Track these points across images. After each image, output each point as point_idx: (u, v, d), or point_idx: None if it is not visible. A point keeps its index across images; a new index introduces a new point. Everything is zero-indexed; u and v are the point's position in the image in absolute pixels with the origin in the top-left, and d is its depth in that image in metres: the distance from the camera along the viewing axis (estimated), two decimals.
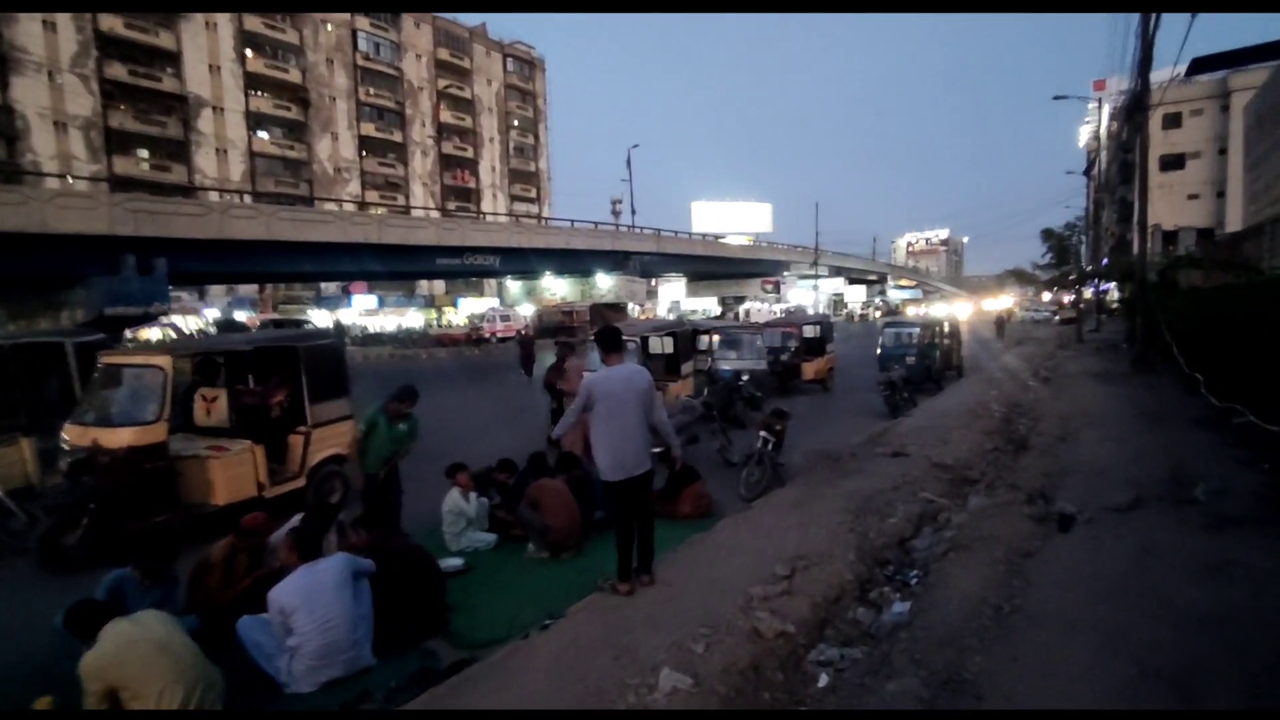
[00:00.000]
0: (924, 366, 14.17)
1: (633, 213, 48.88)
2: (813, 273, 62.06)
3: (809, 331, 15.86)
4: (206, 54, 43.62)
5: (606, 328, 4.90)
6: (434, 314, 51.20)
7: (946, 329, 16.77)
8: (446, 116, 59.50)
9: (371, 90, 53.35)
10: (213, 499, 6.13)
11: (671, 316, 37.20)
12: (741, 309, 52.18)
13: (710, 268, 51.74)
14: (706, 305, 56.73)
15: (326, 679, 3.84)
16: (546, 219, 51.23)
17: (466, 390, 18.33)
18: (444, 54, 58.96)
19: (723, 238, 59.44)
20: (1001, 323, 31.21)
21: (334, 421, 7.38)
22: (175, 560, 4.39)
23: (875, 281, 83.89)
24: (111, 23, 38.95)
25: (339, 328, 33.47)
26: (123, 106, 40.02)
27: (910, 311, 30.37)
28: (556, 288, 44.12)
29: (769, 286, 58.54)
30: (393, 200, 53.50)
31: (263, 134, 47.12)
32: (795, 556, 4.86)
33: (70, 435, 6.01)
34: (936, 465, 7.36)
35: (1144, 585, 4.24)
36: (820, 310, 51.73)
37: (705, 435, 9.32)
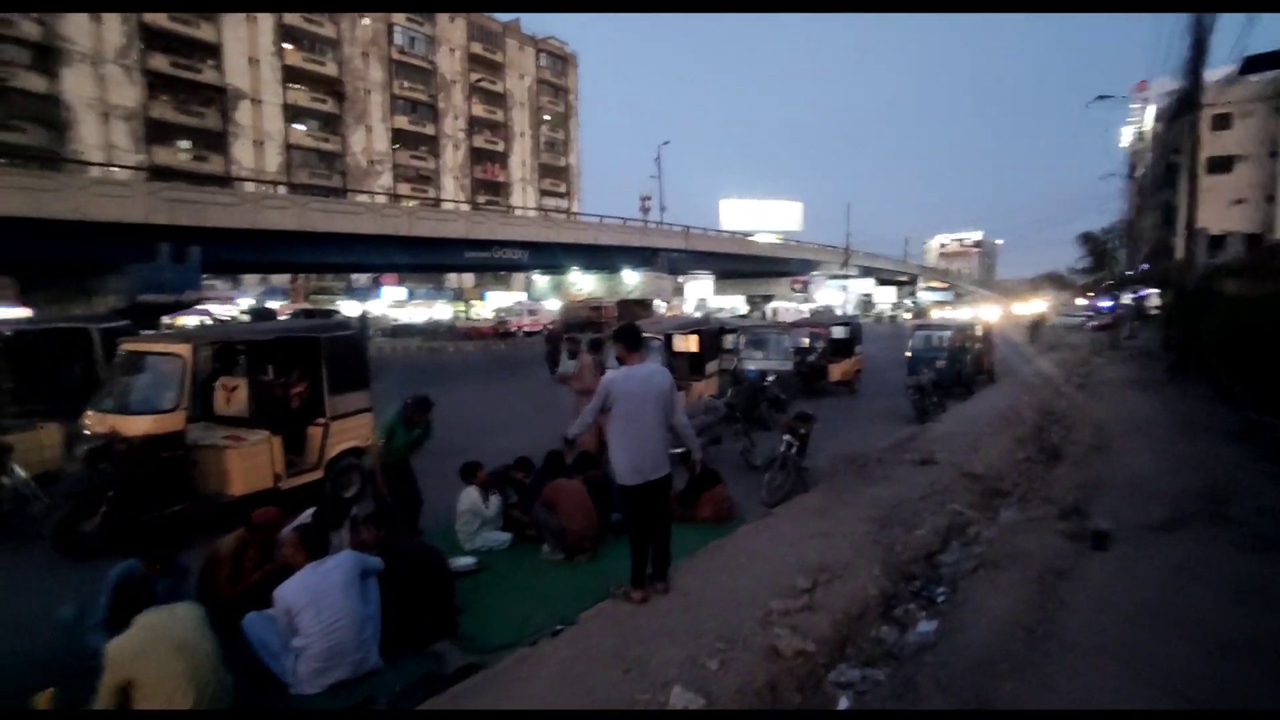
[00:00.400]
0: (954, 371, 13.79)
1: (661, 209, 48.68)
2: (842, 273, 61.27)
3: (837, 332, 15.55)
4: (246, 47, 44.28)
5: (626, 325, 4.76)
6: (462, 307, 51.53)
7: (977, 332, 16.34)
8: (478, 110, 59.79)
9: (405, 84, 53.78)
10: (229, 489, 6.11)
11: (698, 314, 36.98)
12: (769, 308, 51.68)
13: (738, 266, 51.31)
14: (734, 304, 56.33)
15: (332, 681, 3.76)
16: (575, 214, 51.25)
17: (489, 384, 18.34)
18: (477, 48, 59.24)
19: (751, 236, 58.94)
20: (1035, 327, 30.44)
21: (353, 414, 7.34)
22: (181, 551, 4.34)
23: (906, 283, 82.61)
24: (155, 16, 39.72)
25: (364, 319, 33.85)
26: (164, 97, 40.80)
27: (940, 314, 29.71)
28: (584, 283, 44.11)
29: (797, 286, 57.91)
30: (424, 193, 53.92)
31: (299, 126, 47.75)
32: (817, 568, 4.67)
33: (90, 422, 6.02)
34: (966, 474, 7.09)
35: (1182, 609, 4.01)
36: (849, 311, 51.07)
37: (728, 437, 9.14)
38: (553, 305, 42.67)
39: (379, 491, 5.77)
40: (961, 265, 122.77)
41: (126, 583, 3.92)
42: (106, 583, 3.95)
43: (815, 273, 59.99)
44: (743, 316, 42.93)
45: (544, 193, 66.06)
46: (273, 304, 37.85)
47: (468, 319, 46.02)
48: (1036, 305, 51.36)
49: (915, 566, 4.84)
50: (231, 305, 35.66)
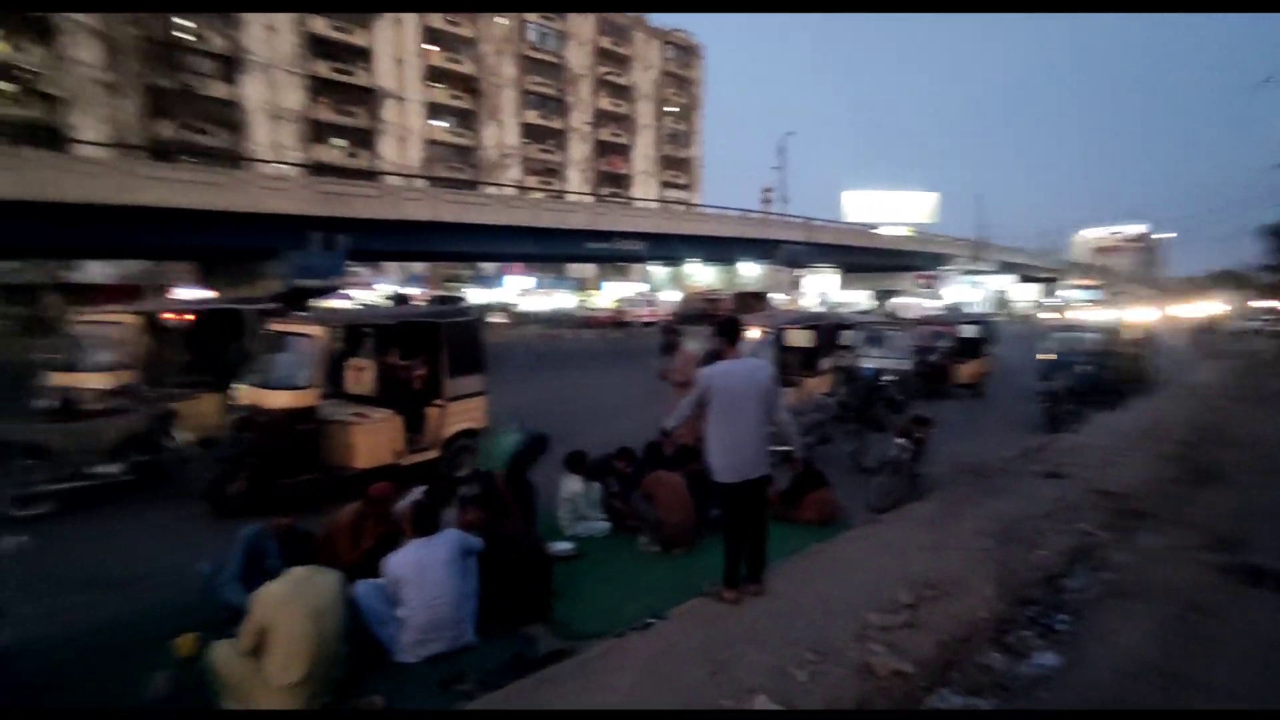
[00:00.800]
0: (1095, 377, 12.45)
1: (784, 201, 47.60)
2: (976, 268, 57.37)
3: (965, 331, 14.56)
4: (394, 49, 47.44)
5: (725, 318, 4.65)
6: (583, 297, 52.83)
7: (1129, 335, 14.75)
8: (604, 103, 60.87)
9: (536, 79, 55.64)
10: (353, 463, 6.56)
11: (820, 309, 35.90)
12: (890, 304, 49.30)
13: (863, 259, 49.33)
14: (859, 299, 54.19)
15: (430, 652, 3.93)
16: (695, 206, 51.11)
17: (600, 373, 18.66)
18: (605, 42, 60.26)
19: (877, 228, 56.41)
20: (1206, 330, 27.14)
21: (469, 396, 7.70)
22: (306, 517, 4.69)
23: (1050, 280, 76.16)
24: (319, 23, 43.41)
25: (480, 306, 35.46)
26: (324, 100, 44.54)
27: (1082, 314, 27.07)
28: (702, 276, 43.96)
29: (921, 281, 54.88)
30: (550, 185, 55.68)
31: (437, 123, 50.63)
32: (923, 582, 4.38)
33: (238, 394, 6.66)
34: (1099, 491, 6.42)
35: None
36: (983, 308, 47.75)
37: (839, 437, 8.79)
38: (670, 297, 42.82)
39: (498, 489, 5.86)
40: (1117, 261, 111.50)
41: (255, 543, 4.28)
42: (239, 541, 4.34)
43: (946, 268, 56.59)
44: (864, 312, 41.25)
45: (665, 184, 66.34)
46: (411, 290, 40.45)
47: (587, 308, 47.09)
48: (1209, 306, 45.79)
49: (1035, 590, 4.43)
50: (371, 291, 38.40)
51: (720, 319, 4.65)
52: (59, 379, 7.52)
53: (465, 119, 52.26)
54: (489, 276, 49.17)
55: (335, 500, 5.45)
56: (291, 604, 3.41)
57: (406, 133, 48.58)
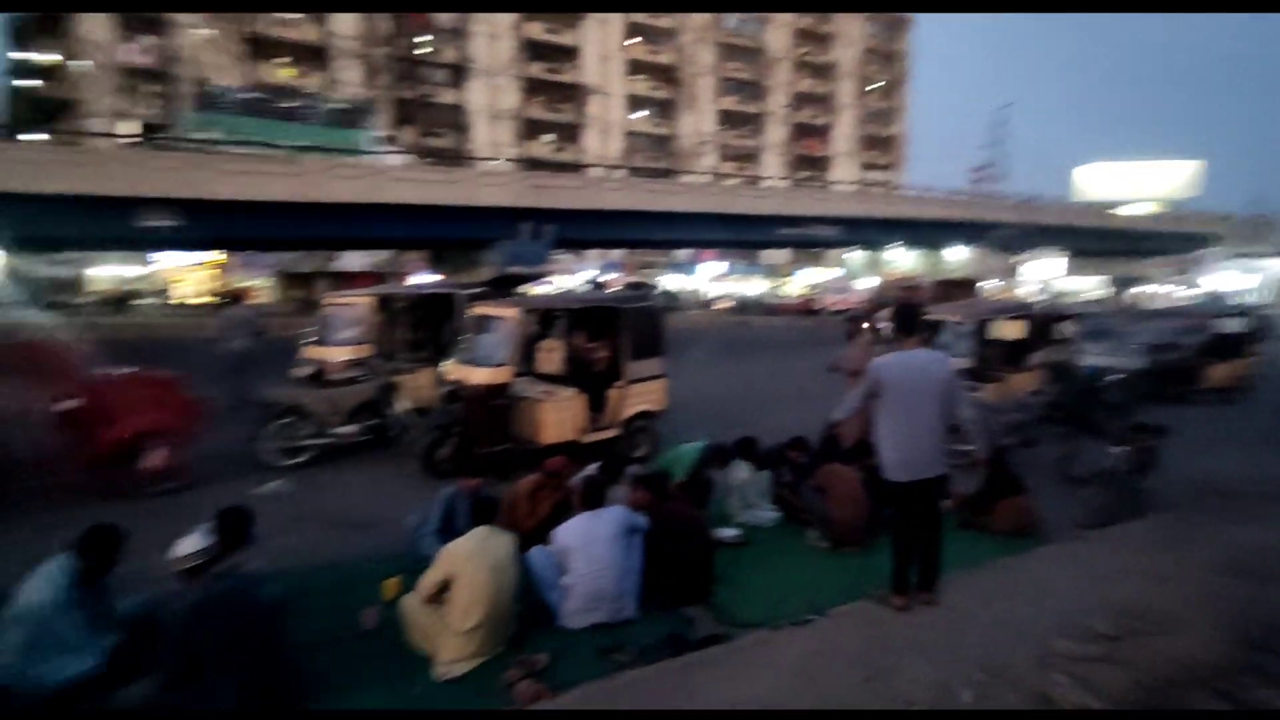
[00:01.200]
0: None
1: (1000, 180, 43.14)
2: (1250, 250, 47.87)
3: (1223, 325, 12.26)
4: (600, 46, 49.78)
5: (901, 305, 4.38)
6: (774, 283, 52.06)
7: None
8: (802, 85, 59.13)
9: (733, 64, 55.43)
10: (540, 437, 7.10)
11: (1038, 298, 32.17)
12: (1129, 293, 42.74)
13: (1096, 243, 43.36)
14: (1090, 286, 47.73)
15: (592, 621, 4.16)
16: (895, 187, 48.03)
17: (784, 360, 18.27)
18: (806, 22, 58.38)
19: (1116, 207, 49.14)
20: None
21: (648, 379, 8.00)
22: (494, 484, 5.18)
23: None
24: (533, 28, 46.81)
25: (666, 292, 36.15)
26: (536, 99, 48.03)
27: None
28: (904, 261, 41.30)
29: (1169, 267, 46.93)
30: (745, 171, 55.36)
31: (637, 114, 52.38)
32: (1129, 613, 3.84)
33: (447, 370, 7.50)
34: None
35: None
36: (1260, 298, 39.83)
37: (1046, 440, 7.89)
38: (865, 284, 40.78)
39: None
40: None
41: (450, 503, 4.82)
42: (438, 500, 4.90)
43: (1207, 250, 47.91)
44: (1093, 302, 36.26)
45: (866, 166, 63.01)
46: (608, 276, 42.52)
47: (777, 295, 46.32)
48: None
49: (1274, 637, 3.70)
50: (572, 277, 40.86)
51: (897, 306, 4.39)
52: (312, 352, 8.98)
53: (664, 109, 53.50)
54: (683, 263, 50.10)
55: (523, 470, 5.95)
56: (474, 559, 3.80)
57: (609, 125, 50.81)
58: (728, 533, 5.58)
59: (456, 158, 41.45)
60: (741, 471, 6.05)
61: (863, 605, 4.19)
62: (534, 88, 47.89)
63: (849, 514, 5.41)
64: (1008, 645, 3.59)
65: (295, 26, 40.55)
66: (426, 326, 9.65)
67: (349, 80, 40.70)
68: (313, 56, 41.27)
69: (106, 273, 37.28)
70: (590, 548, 4.29)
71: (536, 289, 30.67)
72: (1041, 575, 4.52)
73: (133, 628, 3.65)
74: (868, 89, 62.77)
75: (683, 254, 49.64)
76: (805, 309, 37.38)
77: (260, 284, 36.77)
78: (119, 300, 35.69)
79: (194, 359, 9.56)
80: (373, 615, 4.17)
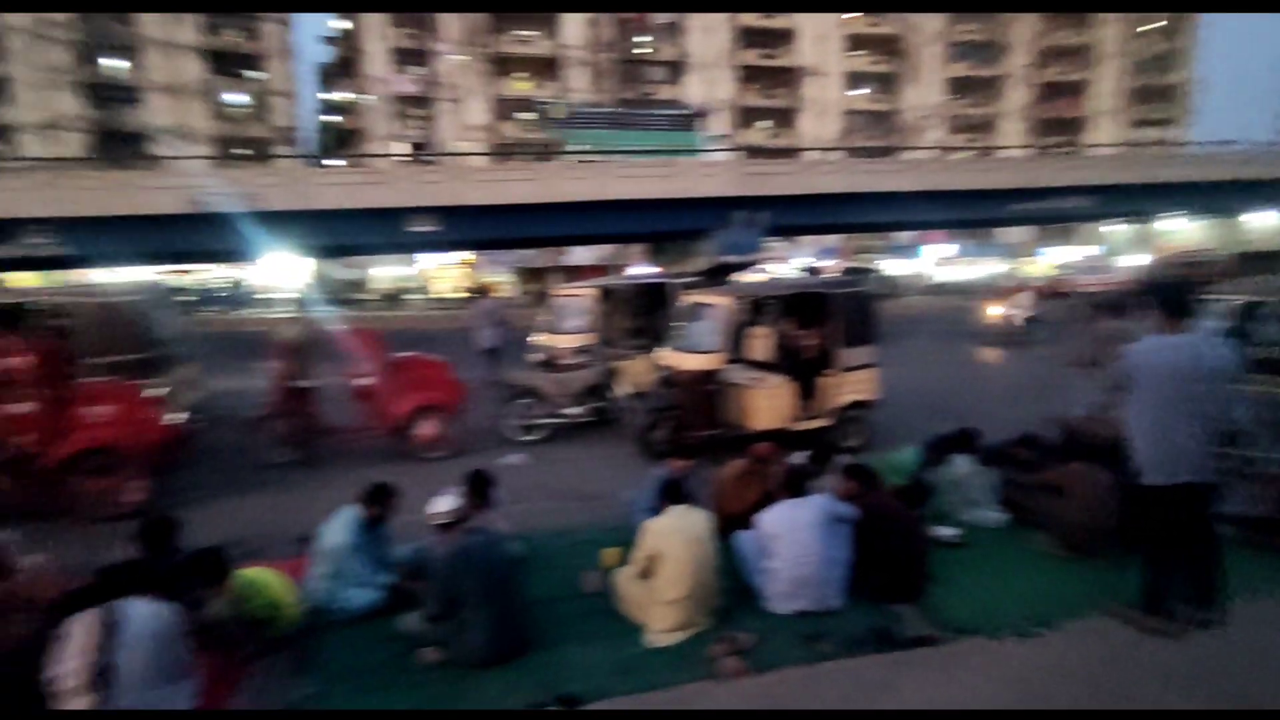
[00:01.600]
0: None
1: None
2: None
3: None
4: (816, 26, 48.19)
5: (1168, 283, 3.83)
6: (1014, 264, 46.88)
7: None
8: (1052, 39, 52.20)
9: (964, 27, 50.56)
10: (749, 423, 7.21)
11: None
12: None
13: None
14: None
15: (797, 608, 4.18)
16: (1178, 145, 40.63)
17: (1018, 349, 16.43)
18: None
19: None
20: None
21: (860, 368, 7.76)
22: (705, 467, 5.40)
23: None
24: (750, 18, 46.61)
25: (883, 277, 34.07)
26: (752, 86, 47.85)
27: None
28: (1186, 232, 34.95)
29: None
30: (978, 142, 50.39)
31: (856, 92, 49.95)
32: None
33: (662, 356, 7.90)
34: None
35: None
36: None
37: None
38: (1132, 261, 35.14)
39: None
40: None
41: (667, 481, 5.09)
42: (651, 480, 5.23)
43: None
44: None
45: (1138, 122, 54.00)
46: (824, 263, 41.29)
47: (1017, 277, 41.64)
48: None
49: None
50: (785, 264, 40.20)
51: (1160, 285, 3.86)
52: (544, 339, 9.95)
53: (885, 83, 50.49)
54: (905, 246, 47.02)
55: (732, 454, 6.09)
56: (673, 534, 4.06)
57: (825, 106, 49.07)
58: (945, 531, 5.27)
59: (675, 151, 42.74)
60: (962, 466, 5.66)
61: (1100, 622, 3.78)
62: (749, 75, 47.70)
63: (1089, 519, 4.84)
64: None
65: (530, 43, 44.43)
66: (643, 315, 10.20)
67: (578, 86, 43.69)
68: (546, 68, 44.91)
69: (383, 273, 43.91)
70: (793, 534, 4.32)
71: (748, 277, 30.80)
72: None
73: (406, 570, 4.42)
74: (1139, 31, 53.65)
75: (905, 236, 46.53)
76: (1052, 292, 33.13)
77: (502, 279, 41.00)
78: (392, 296, 41.95)
79: (451, 346, 11.03)
80: (594, 579, 4.60)
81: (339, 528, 4.31)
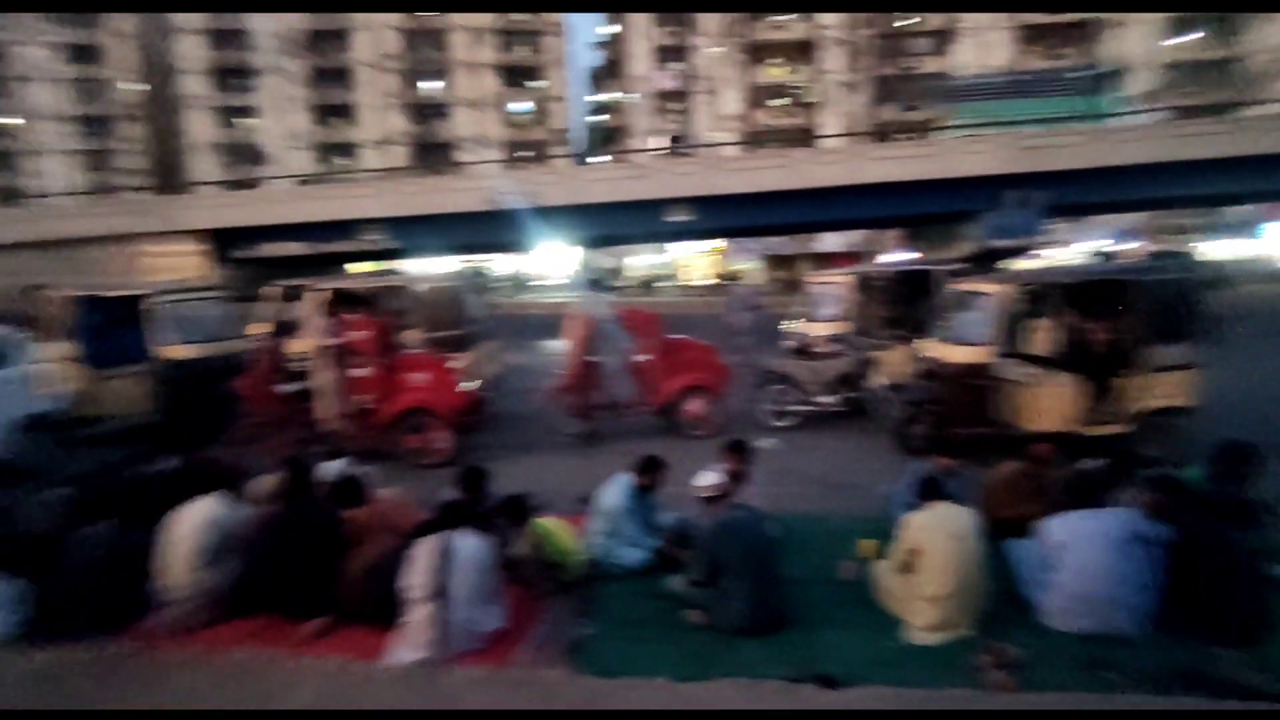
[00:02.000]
0: None
1: None
2: None
3: None
4: None
5: None
6: None
7: None
8: None
9: None
10: (1024, 422, 6.56)
11: None
12: None
13: None
14: None
15: (1080, 627, 3.81)
16: None
17: None
18: None
19: None
20: None
21: (1171, 368, 6.63)
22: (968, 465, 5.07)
23: None
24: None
25: (1203, 263, 27.75)
26: (1035, 46, 42.20)
27: None
28: None
29: None
30: None
31: (1174, 41, 41.60)
32: None
33: (924, 347, 7.47)
34: None
35: None
36: None
37: None
38: None
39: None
40: None
41: (926, 477, 4.88)
42: (912, 472, 5.04)
43: None
44: None
45: None
46: (1124, 246, 35.33)
47: None
48: None
49: None
50: (1068, 248, 35.00)
51: None
52: (799, 326, 9.94)
53: (1223, 27, 41.25)
54: (1237, 224, 38.39)
55: (1002, 455, 5.63)
56: (935, 530, 3.93)
57: (1131, 59, 41.50)
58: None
59: (930, 129, 39.38)
60: None
61: None
62: (1034, 35, 42.13)
63: None
64: None
65: (785, 28, 43.79)
66: (903, 304, 9.72)
67: (835, 68, 42.22)
68: (800, 52, 44.01)
69: (639, 261, 46.65)
70: (1084, 546, 3.92)
71: (1023, 263, 27.52)
72: None
73: (671, 535, 4.81)
74: None
75: (1240, 212, 37.82)
76: None
77: (751, 267, 41.31)
78: (647, 283, 44.43)
79: (705, 330, 11.50)
80: (851, 568, 4.59)
81: (615, 491, 4.83)
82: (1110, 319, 6.94)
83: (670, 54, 44.98)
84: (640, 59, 45.15)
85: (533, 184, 24.30)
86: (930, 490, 4.18)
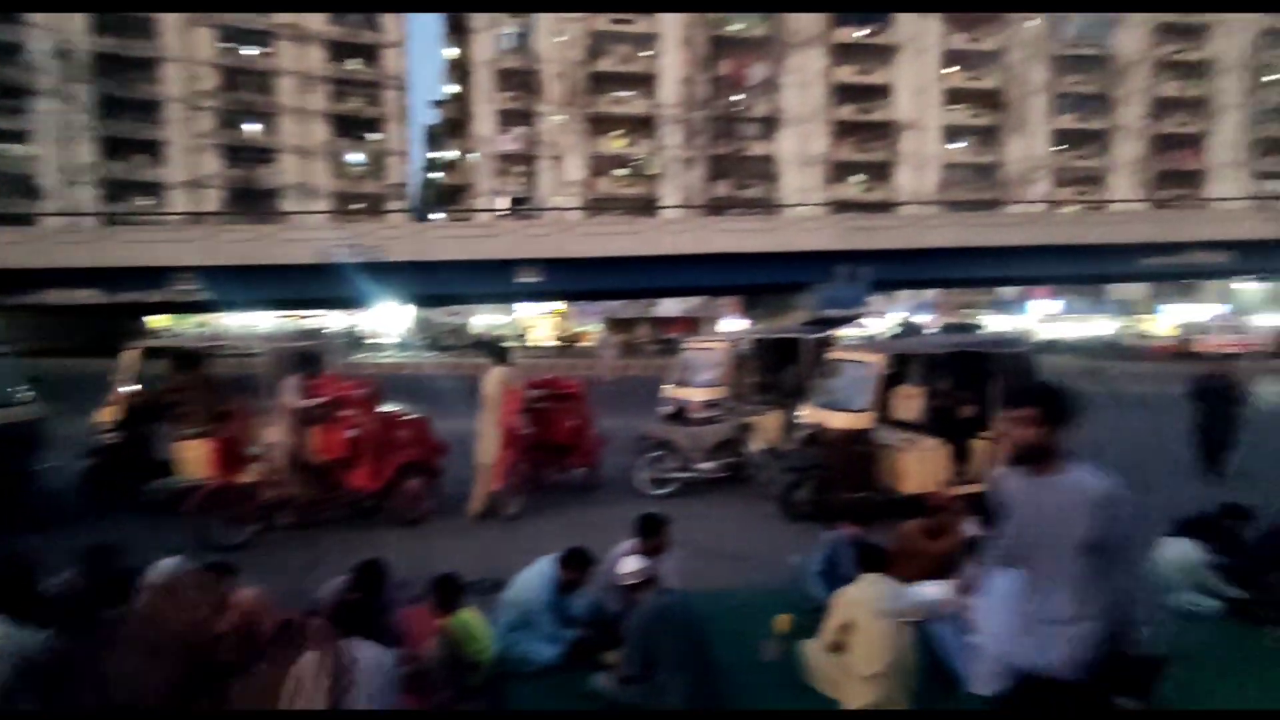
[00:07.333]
0: None
1: None
2: None
3: None
4: (914, 80, 47.96)
5: None
6: (1129, 322, 44.21)
7: None
8: (1167, 90, 50.06)
9: (1072, 78, 49.21)
10: (900, 486, 6.88)
11: None
12: None
13: None
14: None
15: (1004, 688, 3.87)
16: None
17: (1161, 415, 15.21)
18: (1170, 15, 49.58)
19: None
20: None
21: None
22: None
23: None
24: (846, 73, 46.89)
25: (1015, 335, 32.44)
26: (844, 141, 47.83)
27: None
28: None
29: None
30: (1086, 196, 48.41)
31: (955, 145, 49.09)
32: None
33: (805, 413, 7.68)
34: None
35: None
36: None
37: None
38: (1269, 320, 32.43)
39: None
40: None
41: (864, 545, 4.81)
42: (822, 545, 5.00)
43: None
44: None
45: (1264, 175, 50.68)
46: (921, 318, 40.06)
47: (1137, 335, 39.15)
48: None
49: None
50: (883, 319, 39.22)
51: None
52: (676, 391, 9.89)
53: (985, 136, 49.48)
54: (1008, 302, 45.17)
55: (883, 519, 5.75)
56: (864, 603, 3.81)
57: (923, 160, 48.35)
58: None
59: (770, 206, 42.92)
60: (1183, 548, 5.11)
61: None
62: (844, 130, 47.73)
63: None
64: None
65: (626, 103, 46.09)
66: (774, 370, 10.03)
67: (673, 143, 44.86)
68: (641, 126, 46.39)
69: (482, 321, 45.56)
70: (994, 605, 4.01)
71: (845, 332, 30.14)
72: None
73: (586, 625, 4.35)
74: (1266, 81, 50.73)
75: (1008, 292, 44.69)
76: (1180, 352, 30.91)
77: (592, 329, 41.75)
78: (491, 344, 43.36)
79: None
80: (773, 648, 4.37)
81: (534, 582, 4.31)
82: (969, 386, 7.55)
83: (514, 118, 45.47)
84: (484, 119, 45.18)
85: (373, 239, 23.03)
86: (869, 560, 4.11)
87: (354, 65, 46.55)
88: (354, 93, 46.88)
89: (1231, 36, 50.26)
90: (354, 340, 40.57)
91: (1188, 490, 7.81)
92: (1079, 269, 27.76)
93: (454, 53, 48.60)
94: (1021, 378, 7.31)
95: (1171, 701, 3.81)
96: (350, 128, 46.99)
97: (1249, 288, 37.71)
